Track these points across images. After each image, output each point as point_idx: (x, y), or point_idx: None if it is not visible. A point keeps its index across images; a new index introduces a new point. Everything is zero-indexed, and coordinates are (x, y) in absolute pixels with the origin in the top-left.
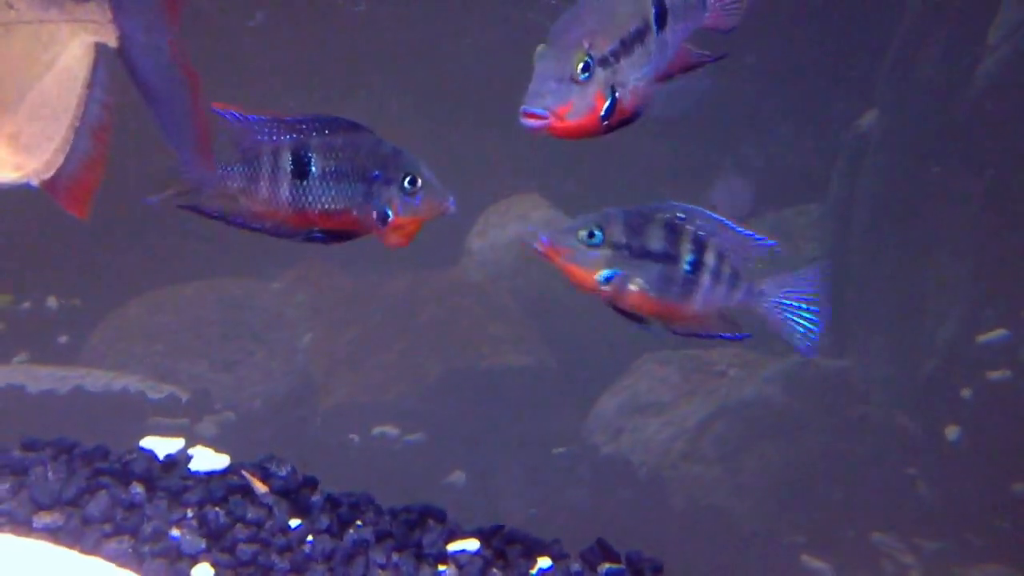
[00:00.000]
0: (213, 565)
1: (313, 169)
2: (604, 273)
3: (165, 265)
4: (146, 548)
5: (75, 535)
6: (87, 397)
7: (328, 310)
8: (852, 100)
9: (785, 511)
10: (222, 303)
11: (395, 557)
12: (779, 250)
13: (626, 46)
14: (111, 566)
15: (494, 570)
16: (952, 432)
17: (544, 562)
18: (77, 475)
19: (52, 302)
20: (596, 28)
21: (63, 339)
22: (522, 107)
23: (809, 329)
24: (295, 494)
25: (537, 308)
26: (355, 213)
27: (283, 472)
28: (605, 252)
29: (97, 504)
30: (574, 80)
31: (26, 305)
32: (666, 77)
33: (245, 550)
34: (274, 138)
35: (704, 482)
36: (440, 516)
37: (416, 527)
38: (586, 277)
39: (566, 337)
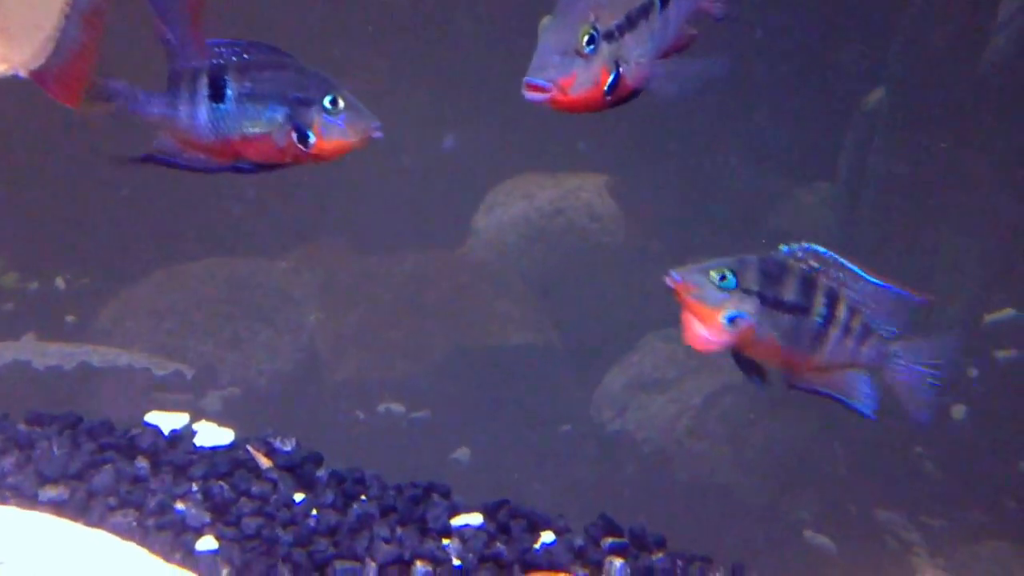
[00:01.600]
0: (218, 538)
1: (229, 92)
2: (729, 313)
3: (173, 244)
4: (151, 521)
5: (80, 508)
6: (93, 373)
7: (335, 289)
8: (860, 76)
9: (789, 487)
10: (229, 282)
11: (399, 531)
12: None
13: (631, 22)
14: (115, 539)
15: (497, 544)
16: (958, 411)
17: (547, 536)
18: (82, 449)
19: (60, 282)
20: (602, 2)
21: (71, 319)
22: (525, 78)
23: (931, 400)
24: (299, 469)
25: (543, 287)
26: (275, 137)
27: (288, 447)
28: (736, 296)
29: (102, 478)
30: (579, 53)
31: (34, 285)
32: (666, 55)
33: (249, 523)
34: (193, 63)
35: (709, 458)
36: (444, 491)
37: (420, 502)
38: (711, 316)
39: (572, 315)
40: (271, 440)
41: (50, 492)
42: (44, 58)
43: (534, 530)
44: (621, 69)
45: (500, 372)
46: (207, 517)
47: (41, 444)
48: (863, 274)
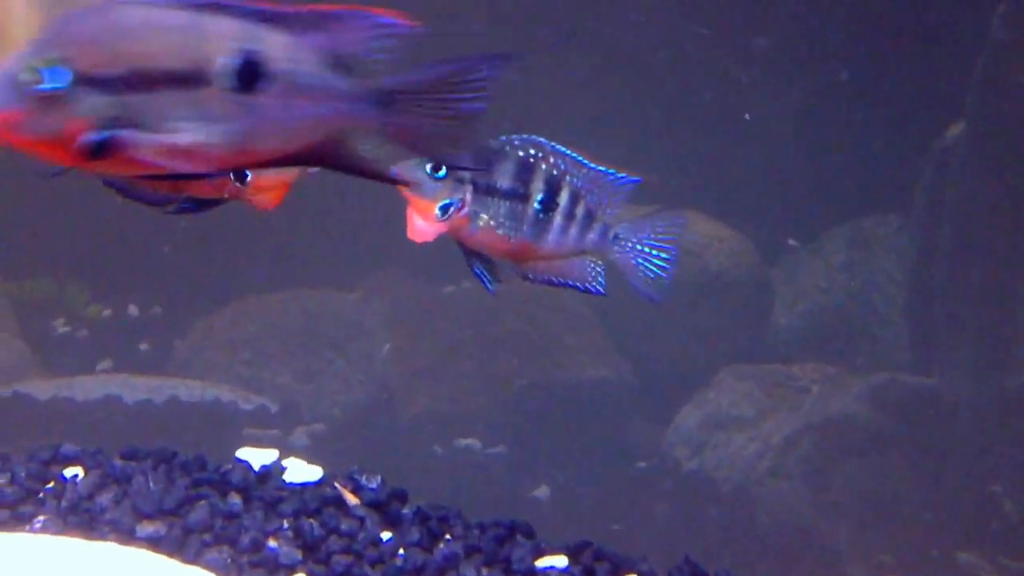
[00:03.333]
0: None
1: None
2: (442, 202)
3: (244, 276)
4: (245, 559)
5: (176, 544)
6: (182, 407)
7: (406, 320)
8: (939, 111)
9: (871, 530)
10: (303, 313)
11: (485, 572)
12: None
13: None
14: (212, 575)
15: None
16: None
17: None
18: (177, 485)
19: (133, 310)
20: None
21: (144, 347)
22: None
23: (659, 276)
24: (385, 506)
25: (613, 319)
26: (215, 176)
27: (373, 484)
28: (449, 185)
29: (197, 514)
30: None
31: (107, 313)
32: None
33: (340, 561)
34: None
35: (790, 500)
36: (528, 531)
37: (505, 542)
38: (426, 207)
39: (642, 349)
40: (357, 477)
41: (147, 528)
42: None
43: (618, 572)
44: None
45: (573, 407)
46: (299, 555)
47: (137, 479)
48: (583, 160)
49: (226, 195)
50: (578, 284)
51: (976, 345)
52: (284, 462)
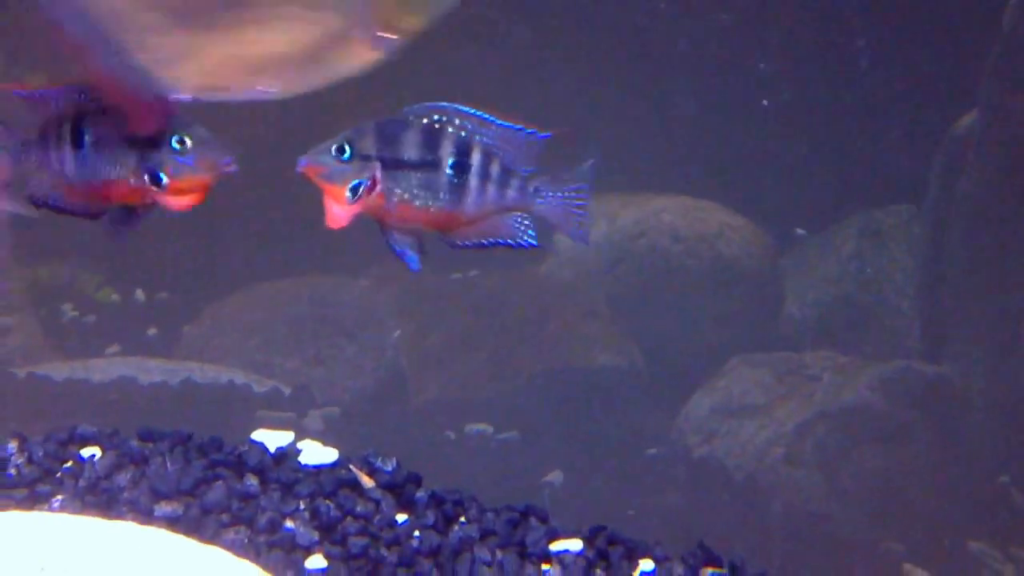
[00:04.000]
0: (326, 557)
1: (86, 139)
2: (351, 183)
3: (253, 262)
4: (262, 539)
5: (194, 524)
6: (197, 389)
7: (416, 308)
8: (951, 101)
9: (883, 518)
10: (312, 300)
11: (499, 555)
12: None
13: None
14: (230, 555)
15: (597, 571)
16: None
17: (647, 564)
18: (193, 466)
19: (140, 295)
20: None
21: (152, 332)
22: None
23: (582, 220)
24: (401, 489)
25: (625, 307)
26: (132, 181)
27: (388, 467)
28: (356, 164)
29: (214, 495)
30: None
31: (115, 297)
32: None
33: (356, 543)
34: (57, 110)
35: (803, 487)
36: (542, 515)
37: (518, 526)
38: (337, 191)
39: (653, 337)
40: (372, 459)
41: (165, 508)
42: None
43: (632, 557)
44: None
45: (585, 394)
46: (315, 536)
47: (154, 460)
48: (490, 119)
49: (147, 200)
50: (509, 241)
51: (988, 335)
52: (299, 444)
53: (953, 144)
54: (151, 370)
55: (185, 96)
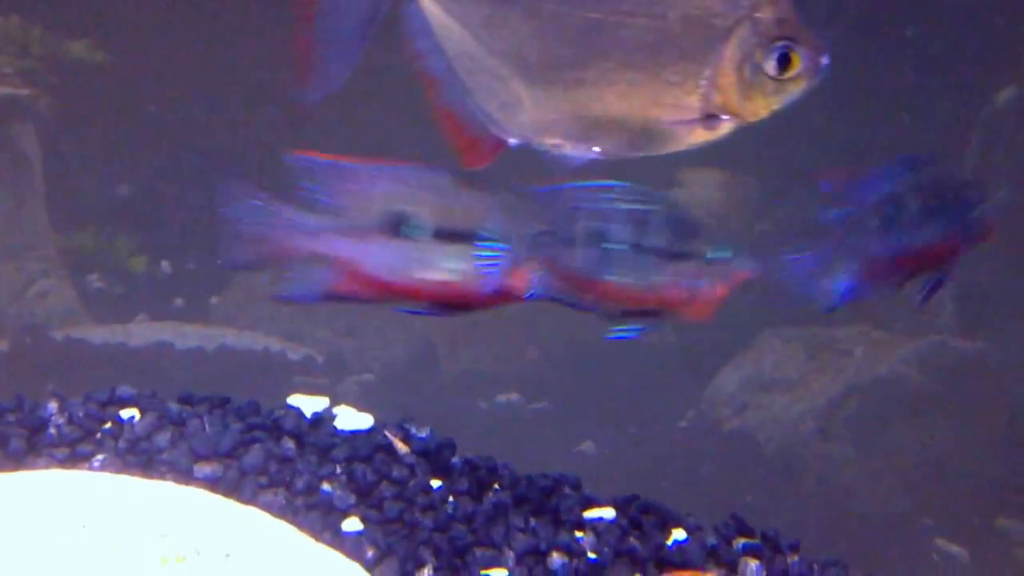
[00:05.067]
0: (362, 520)
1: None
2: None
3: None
4: (300, 501)
5: (233, 485)
6: (232, 354)
7: None
8: (990, 75)
9: (916, 493)
10: None
11: (533, 522)
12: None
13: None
14: (268, 516)
15: (631, 539)
16: None
17: (679, 533)
18: (231, 429)
19: (166, 266)
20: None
21: (179, 302)
22: None
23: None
24: (435, 456)
25: None
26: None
27: (423, 434)
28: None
29: (252, 457)
30: None
31: (141, 268)
32: None
33: (392, 507)
34: (373, 188)
35: (835, 461)
36: (575, 484)
37: (552, 494)
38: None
39: None
40: (407, 426)
41: (204, 469)
42: None
43: (665, 526)
44: None
45: (615, 366)
46: (352, 499)
47: (192, 422)
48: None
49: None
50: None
51: None
52: (334, 410)
53: (992, 117)
54: (187, 335)
55: (514, 142)
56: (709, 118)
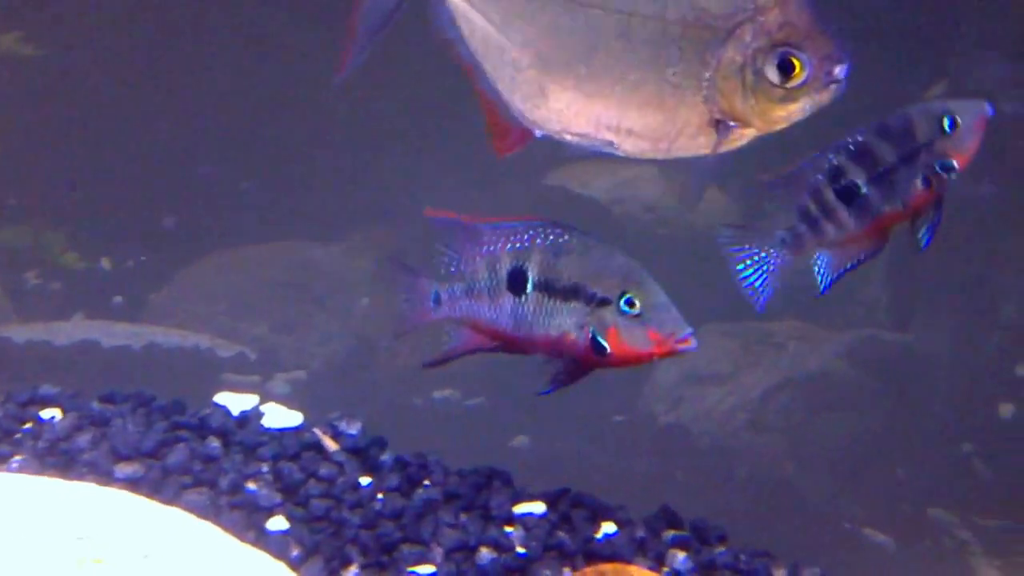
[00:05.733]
0: (288, 518)
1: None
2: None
3: (221, 228)
4: (224, 500)
5: (155, 486)
6: (160, 353)
7: (388, 275)
8: (922, 70)
9: (846, 484)
10: (282, 265)
11: (463, 517)
12: None
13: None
14: (191, 516)
15: (560, 533)
16: (1006, 410)
17: (609, 527)
18: (155, 428)
19: (106, 263)
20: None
21: (118, 299)
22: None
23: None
24: (365, 453)
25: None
26: (573, 338)
27: (353, 431)
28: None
29: (176, 456)
30: None
31: (80, 265)
32: None
33: (318, 505)
34: (492, 248)
35: (767, 453)
36: (506, 479)
37: (483, 489)
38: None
39: None
40: (336, 423)
41: (126, 469)
42: None
43: (595, 520)
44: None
45: (552, 361)
46: (277, 497)
47: (115, 422)
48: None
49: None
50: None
51: (956, 304)
52: (263, 408)
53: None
54: (115, 334)
55: (539, 133)
56: (719, 124)
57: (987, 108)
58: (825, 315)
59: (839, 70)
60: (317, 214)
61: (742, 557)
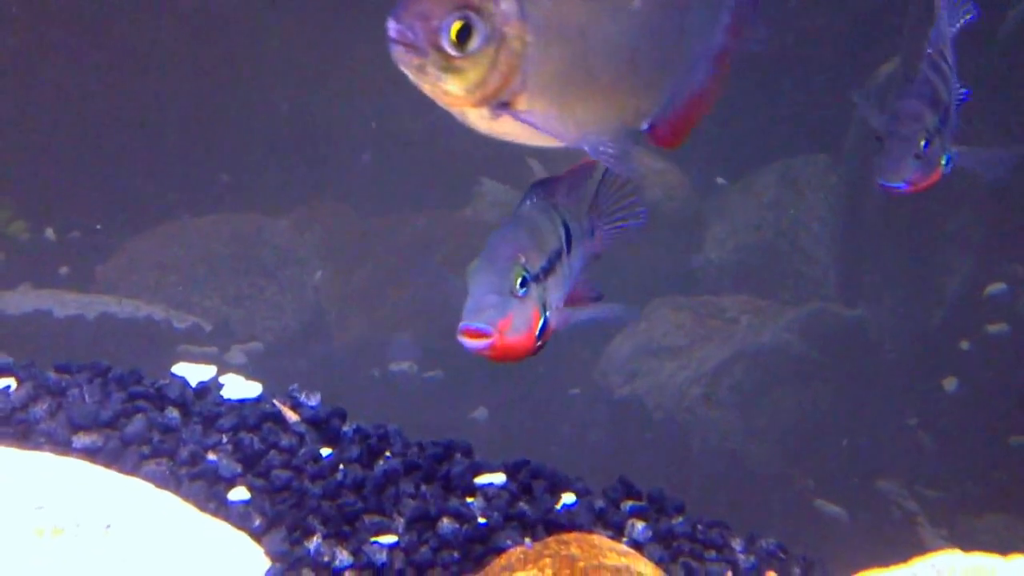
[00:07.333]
0: (249, 489)
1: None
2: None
3: (168, 199)
4: (184, 471)
5: (114, 456)
6: (114, 323)
7: (338, 249)
8: (873, 51)
9: (796, 455)
10: (233, 238)
11: (424, 488)
12: None
13: (551, 265)
14: (151, 486)
15: (520, 504)
16: (950, 383)
17: (568, 498)
18: (112, 398)
19: (50, 233)
20: (528, 245)
21: (64, 271)
22: (462, 324)
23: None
24: (325, 424)
25: None
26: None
27: (313, 402)
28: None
29: (134, 427)
30: (513, 295)
31: (25, 236)
32: (568, 304)
33: (280, 475)
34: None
35: (721, 426)
36: (467, 450)
37: (443, 460)
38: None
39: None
40: (296, 394)
41: (83, 439)
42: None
43: (555, 491)
44: (548, 312)
45: None
46: (238, 468)
47: (71, 392)
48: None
49: None
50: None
51: (901, 281)
52: (222, 379)
53: (873, 92)
54: (67, 304)
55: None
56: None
57: None
58: (775, 291)
59: (388, 26)
60: (257, 188)
61: (699, 527)
